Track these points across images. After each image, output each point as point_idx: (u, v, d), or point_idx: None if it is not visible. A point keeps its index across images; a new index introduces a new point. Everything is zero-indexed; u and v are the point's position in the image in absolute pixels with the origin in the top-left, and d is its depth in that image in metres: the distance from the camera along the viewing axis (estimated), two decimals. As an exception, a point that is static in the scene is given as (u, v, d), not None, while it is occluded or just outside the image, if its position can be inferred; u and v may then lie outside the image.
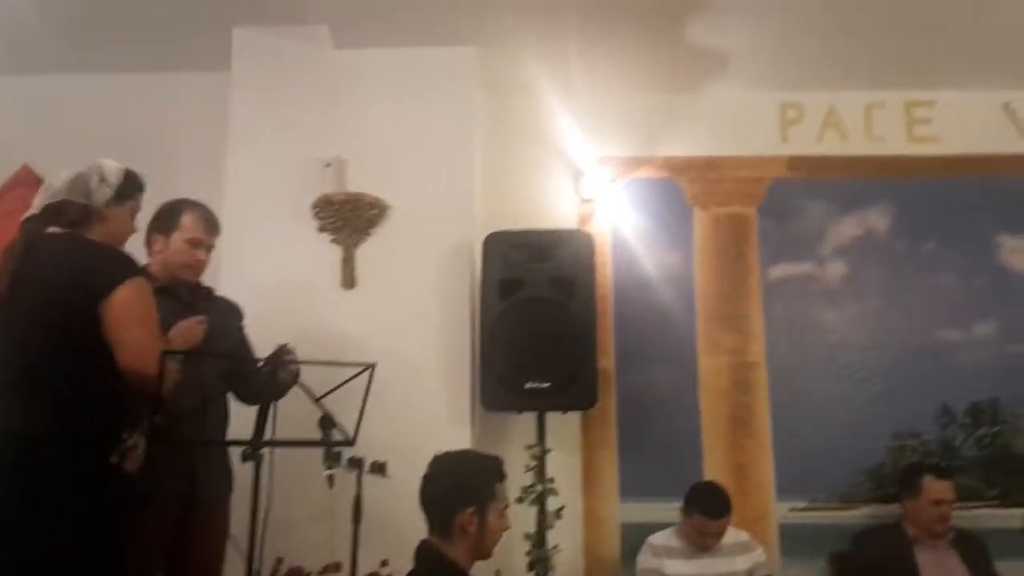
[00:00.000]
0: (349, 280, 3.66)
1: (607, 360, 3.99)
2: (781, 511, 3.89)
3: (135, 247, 2.88)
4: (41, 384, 2.25)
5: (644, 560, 3.47)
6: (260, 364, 2.69)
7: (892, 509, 3.70)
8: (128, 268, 2.33)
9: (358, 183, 3.70)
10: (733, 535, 3.48)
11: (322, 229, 3.69)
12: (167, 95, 4.09)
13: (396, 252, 3.69)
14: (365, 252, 3.70)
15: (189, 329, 2.70)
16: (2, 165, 3.99)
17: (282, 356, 2.67)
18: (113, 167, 2.47)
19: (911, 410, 3.97)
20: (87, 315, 2.24)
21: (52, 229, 2.39)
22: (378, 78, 3.85)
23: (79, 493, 2.19)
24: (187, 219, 2.89)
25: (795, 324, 4.09)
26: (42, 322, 2.27)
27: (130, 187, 2.49)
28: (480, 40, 3.83)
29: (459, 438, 3.38)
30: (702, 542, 3.39)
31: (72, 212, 2.39)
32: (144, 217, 2.91)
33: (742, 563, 3.39)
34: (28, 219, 2.42)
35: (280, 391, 2.72)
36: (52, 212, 2.40)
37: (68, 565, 2.17)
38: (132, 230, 2.55)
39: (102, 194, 2.41)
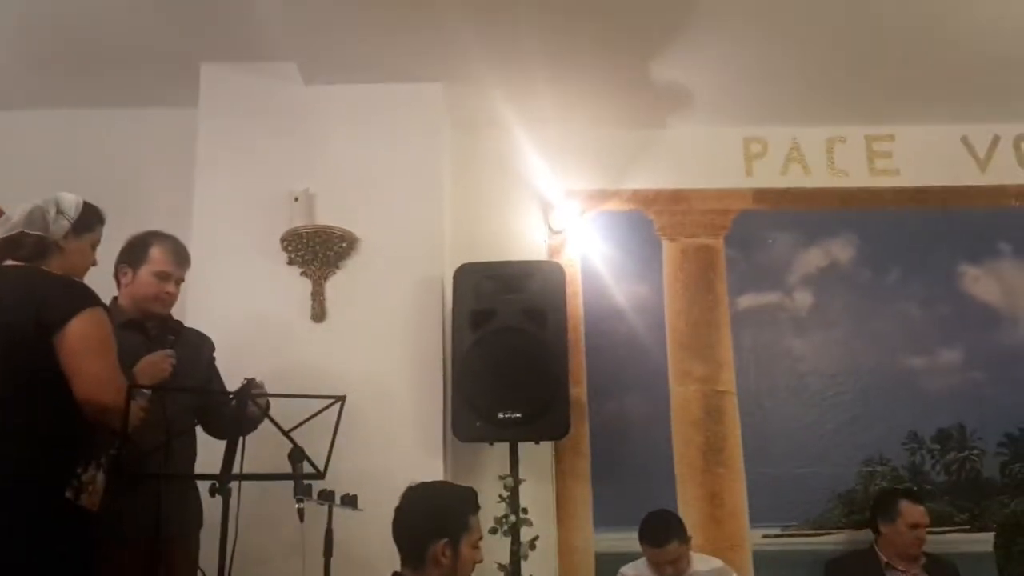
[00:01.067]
0: (319, 313, 3.65)
1: (579, 390, 4.00)
2: (755, 538, 3.90)
3: (103, 279, 2.89)
4: None
5: (618, 592, 3.45)
6: (228, 398, 2.66)
7: (864, 534, 3.72)
8: (84, 299, 2.28)
9: (327, 217, 3.71)
10: (706, 562, 3.47)
11: (291, 262, 3.68)
12: (135, 131, 4.10)
13: (366, 285, 3.69)
14: (335, 285, 3.69)
15: (156, 363, 2.67)
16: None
17: (250, 390, 2.64)
18: (71, 199, 2.43)
19: (880, 436, 4.01)
20: (41, 347, 2.19)
21: (8, 263, 2.34)
22: (346, 113, 3.88)
23: (35, 533, 2.12)
24: (156, 251, 2.87)
25: (764, 353, 4.13)
26: None
27: (89, 219, 2.45)
28: (447, 76, 3.88)
29: (431, 469, 3.35)
30: (660, 571, 3.37)
31: (29, 245, 2.35)
32: (111, 250, 2.92)
33: (716, 590, 3.38)
34: None
35: (250, 425, 2.69)
36: (9, 245, 2.35)
37: None
38: (91, 262, 2.51)
39: (59, 227, 2.38)
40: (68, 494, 2.18)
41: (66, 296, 2.26)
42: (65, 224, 2.39)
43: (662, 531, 3.36)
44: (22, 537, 2.10)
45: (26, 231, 2.35)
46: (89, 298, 2.29)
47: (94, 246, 2.49)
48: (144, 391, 2.46)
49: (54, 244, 2.37)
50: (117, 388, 2.22)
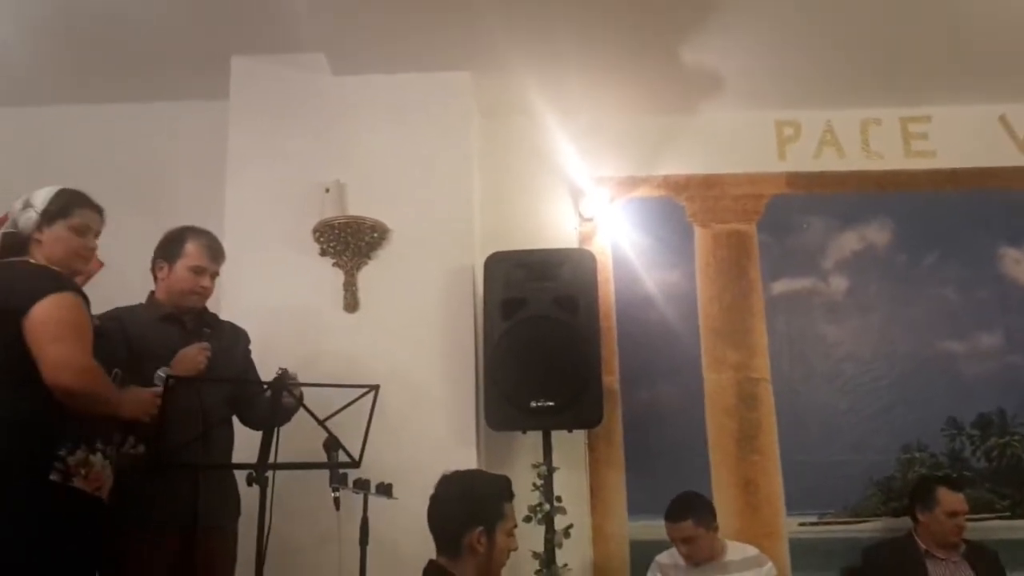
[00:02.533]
0: (351, 303, 3.67)
1: (611, 378, 3.98)
2: (791, 526, 3.87)
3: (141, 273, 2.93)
4: None
5: (652, 580, 3.45)
6: (263, 388, 2.68)
7: (903, 522, 3.67)
8: (49, 284, 2.31)
9: (358, 207, 3.72)
10: (740, 550, 3.45)
11: (323, 253, 3.70)
12: (167, 124, 4.14)
13: (397, 275, 3.70)
14: (366, 275, 3.71)
15: (192, 357, 2.73)
16: (2, 198, 4.00)
17: (285, 381, 2.66)
18: (43, 191, 2.47)
19: (918, 422, 3.96)
20: (11, 335, 2.24)
21: None
22: (375, 104, 3.88)
23: (21, 517, 2.18)
24: (191, 246, 2.90)
25: (799, 339, 4.09)
26: None
27: (62, 205, 2.46)
28: (476, 65, 3.87)
29: (465, 458, 3.35)
30: (681, 552, 3.36)
31: (9, 243, 2.41)
32: (144, 245, 2.96)
33: (751, 578, 3.36)
34: None
35: (284, 416, 2.72)
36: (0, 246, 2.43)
37: None
38: (79, 245, 2.48)
39: (27, 219, 2.42)
40: (54, 477, 2.22)
41: (29, 283, 2.31)
42: (32, 215, 2.42)
43: (679, 508, 3.37)
44: (9, 521, 2.16)
45: (5, 231, 2.43)
46: (55, 283, 2.32)
47: (78, 230, 2.48)
48: (158, 381, 2.52)
49: (29, 238, 2.41)
50: (77, 370, 2.25)
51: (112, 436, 2.41)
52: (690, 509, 3.36)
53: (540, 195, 4.24)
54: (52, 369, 2.22)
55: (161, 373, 2.61)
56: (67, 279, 2.39)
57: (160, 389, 2.46)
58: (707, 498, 3.54)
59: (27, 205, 2.44)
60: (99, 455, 2.33)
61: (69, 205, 2.47)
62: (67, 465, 2.25)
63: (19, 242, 2.42)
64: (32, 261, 2.40)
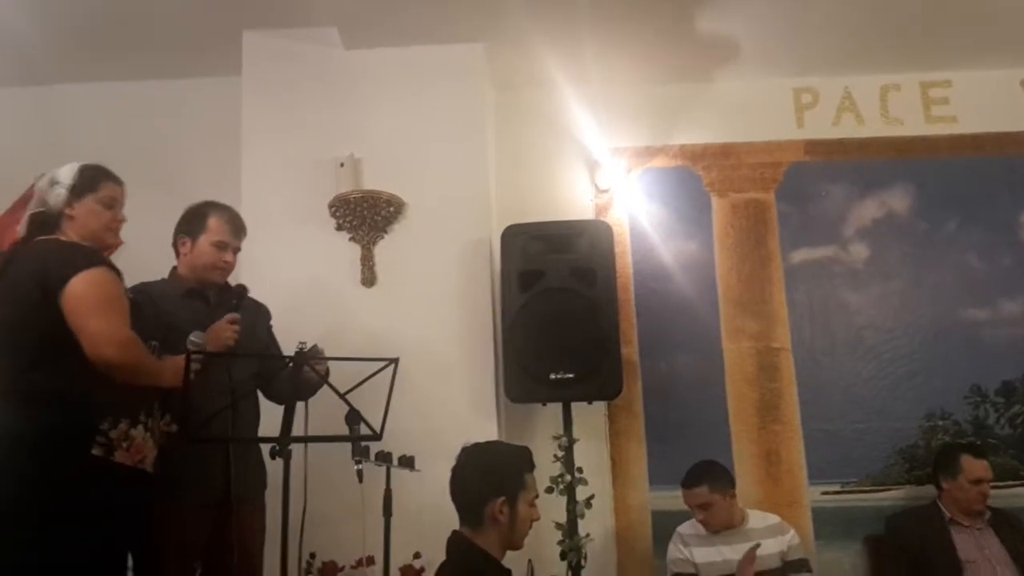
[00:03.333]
0: (369, 278, 3.66)
1: (630, 349, 3.97)
2: (813, 495, 3.86)
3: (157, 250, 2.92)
4: (10, 386, 2.28)
5: (674, 550, 3.45)
6: (287, 363, 2.68)
7: (926, 490, 3.66)
8: (82, 260, 2.33)
9: (373, 181, 3.70)
10: (763, 519, 3.45)
11: (339, 228, 3.69)
12: (180, 101, 4.13)
13: (414, 248, 3.69)
14: (383, 249, 3.70)
15: (221, 331, 2.72)
16: (19, 179, 4.00)
17: (308, 355, 2.66)
18: (67, 168, 2.48)
19: (941, 390, 3.93)
20: (50, 312, 2.27)
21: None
22: (389, 77, 3.86)
23: (60, 491, 2.20)
24: (213, 221, 2.90)
25: (819, 307, 4.06)
26: (10, 326, 2.32)
27: (88, 179, 2.48)
28: (490, 36, 3.83)
29: (485, 430, 3.36)
30: (698, 519, 3.37)
31: (39, 221, 2.44)
32: (163, 221, 2.94)
33: (774, 546, 3.34)
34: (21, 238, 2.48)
35: (308, 390, 2.73)
36: (29, 226, 2.46)
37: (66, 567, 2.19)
38: (109, 219, 2.51)
39: (56, 195, 2.43)
40: (96, 451, 2.26)
41: (64, 260, 2.33)
42: (61, 192, 2.43)
43: (695, 474, 3.39)
44: (53, 497, 2.19)
45: (36, 210, 2.45)
46: (88, 258, 2.34)
47: (107, 203, 2.50)
48: (191, 346, 2.55)
49: (60, 214, 2.43)
50: (119, 343, 2.28)
51: (153, 408, 2.43)
52: (705, 475, 3.37)
53: (556, 167, 4.22)
54: (94, 343, 2.25)
55: (194, 338, 2.63)
56: (99, 254, 2.41)
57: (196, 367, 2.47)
58: (724, 466, 3.53)
59: (54, 182, 2.44)
60: (140, 427, 2.36)
61: (96, 179, 2.49)
62: (109, 439, 2.29)
63: (49, 220, 2.44)
64: (63, 239, 2.42)
